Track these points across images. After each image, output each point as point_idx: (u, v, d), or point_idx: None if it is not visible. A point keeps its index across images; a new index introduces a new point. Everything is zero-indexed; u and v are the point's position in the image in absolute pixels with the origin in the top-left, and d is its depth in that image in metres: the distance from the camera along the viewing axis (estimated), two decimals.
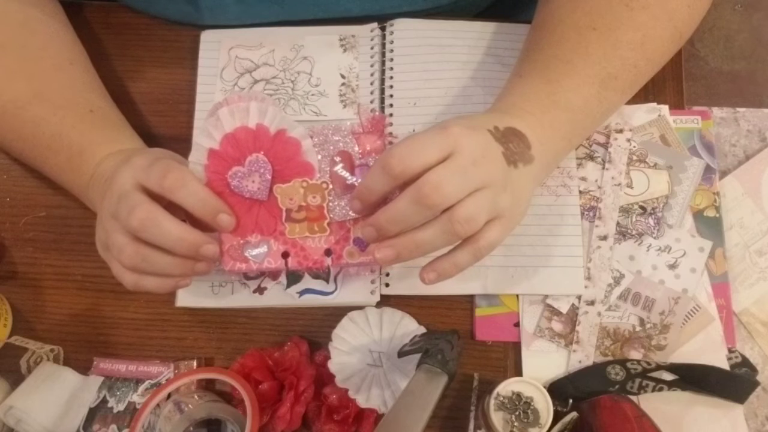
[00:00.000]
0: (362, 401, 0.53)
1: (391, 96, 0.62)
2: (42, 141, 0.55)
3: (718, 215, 0.60)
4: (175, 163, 0.48)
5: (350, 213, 0.51)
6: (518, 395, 0.51)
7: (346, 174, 0.52)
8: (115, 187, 0.48)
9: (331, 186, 0.51)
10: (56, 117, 0.55)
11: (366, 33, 0.65)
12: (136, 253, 0.47)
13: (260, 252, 0.51)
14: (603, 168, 0.61)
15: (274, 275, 0.58)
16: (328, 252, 0.52)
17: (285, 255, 0.52)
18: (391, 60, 0.64)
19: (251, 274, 0.57)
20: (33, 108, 0.55)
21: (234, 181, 0.50)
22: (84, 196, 0.56)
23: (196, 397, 0.55)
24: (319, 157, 0.52)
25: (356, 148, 0.52)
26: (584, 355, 0.56)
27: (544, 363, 0.56)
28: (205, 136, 0.50)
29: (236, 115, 0.50)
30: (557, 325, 0.57)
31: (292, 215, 0.51)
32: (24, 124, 0.56)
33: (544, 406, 0.51)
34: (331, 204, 0.51)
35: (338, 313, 0.57)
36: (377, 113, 0.60)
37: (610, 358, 0.56)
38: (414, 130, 0.61)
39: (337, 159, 0.52)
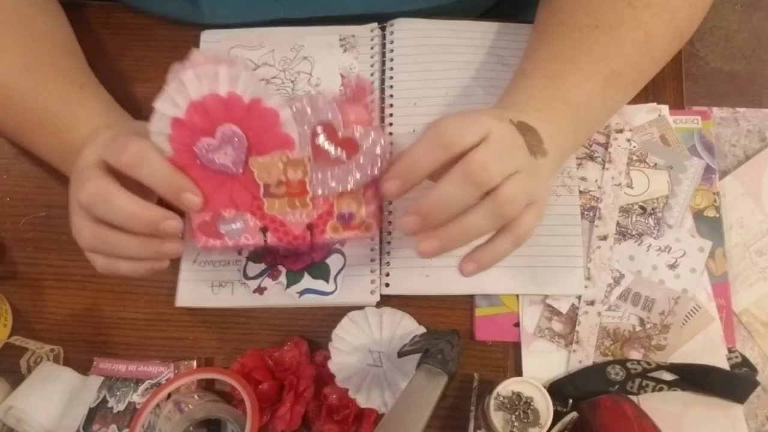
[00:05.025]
0: (362, 401, 0.53)
1: (391, 96, 0.62)
2: (30, 116, 0.54)
3: (718, 215, 0.60)
4: (137, 137, 0.44)
5: (334, 187, 0.48)
6: (518, 395, 0.51)
7: (329, 147, 0.47)
8: (78, 164, 0.46)
9: (313, 160, 0.47)
10: (46, 91, 0.54)
11: (366, 33, 0.65)
12: (93, 234, 0.45)
13: (236, 228, 0.49)
14: (603, 168, 0.61)
15: (274, 275, 0.58)
16: (310, 227, 0.50)
17: (264, 230, 0.49)
18: (391, 60, 0.64)
19: (228, 252, 0.54)
20: (23, 82, 0.54)
21: (203, 153, 0.46)
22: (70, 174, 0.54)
23: (196, 397, 0.55)
24: (299, 129, 0.47)
25: (339, 119, 0.47)
26: (584, 355, 0.56)
27: (544, 363, 0.56)
28: (168, 103, 0.45)
29: (203, 81, 0.44)
30: (557, 325, 0.57)
31: (270, 190, 0.48)
32: (13, 98, 0.55)
33: (544, 406, 0.51)
34: (313, 179, 0.48)
35: (338, 313, 0.57)
36: (360, 77, 0.56)
37: (610, 358, 0.56)
38: (414, 131, 0.61)
39: (319, 130, 0.47)
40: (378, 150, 0.47)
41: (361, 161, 0.47)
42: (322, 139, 0.47)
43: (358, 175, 0.47)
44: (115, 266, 0.47)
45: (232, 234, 0.49)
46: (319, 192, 0.48)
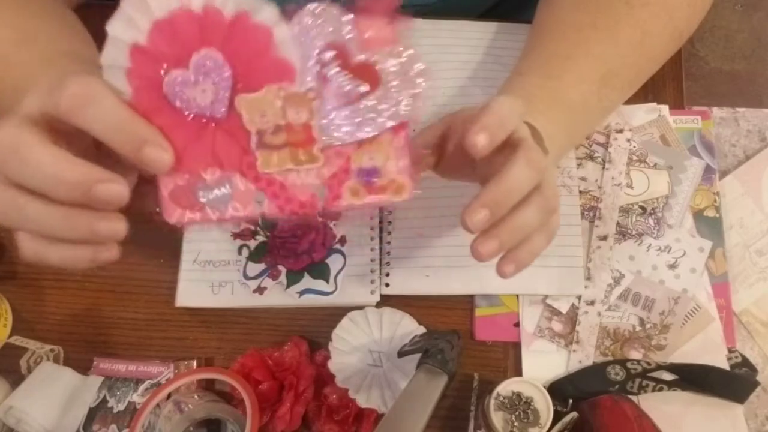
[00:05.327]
0: (362, 401, 0.53)
1: None
2: (6, 83, 0.46)
3: (718, 215, 0.60)
4: (83, 74, 0.34)
5: (351, 132, 0.36)
6: (518, 395, 0.51)
7: (343, 77, 0.36)
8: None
9: (321, 95, 0.36)
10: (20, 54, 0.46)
11: None
12: (8, 201, 0.34)
13: (221, 194, 0.37)
14: (603, 168, 0.61)
15: (274, 275, 0.58)
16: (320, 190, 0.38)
17: (259, 197, 0.38)
18: None
19: (212, 226, 0.41)
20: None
21: (173, 91, 0.35)
22: None
23: (196, 397, 0.55)
24: (301, 52, 0.35)
25: (354, 36, 0.35)
26: (584, 355, 0.56)
27: (544, 363, 0.56)
28: (124, 24, 0.34)
29: None
30: (557, 325, 0.57)
31: (265, 139, 0.36)
32: None
33: (544, 406, 0.51)
34: (323, 121, 0.36)
35: (338, 313, 0.57)
36: None
37: (610, 358, 0.56)
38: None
39: (328, 55, 0.35)
40: (412, 76, 0.36)
41: (389, 94, 0.36)
42: (333, 67, 0.36)
43: (384, 115, 0.36)
44: (43, 252, 0.36)
45: (215, 203, 0.37)
46: (331, 139, 0.37)
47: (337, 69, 0.36)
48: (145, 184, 0.37)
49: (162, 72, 0.34)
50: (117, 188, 0.33)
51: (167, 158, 0.35)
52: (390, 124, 0.36)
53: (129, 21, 0.34)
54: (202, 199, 0.37)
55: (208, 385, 0.57)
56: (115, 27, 0.34)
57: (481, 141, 0.37)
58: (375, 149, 0.37)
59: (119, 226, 0.35)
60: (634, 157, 0.61)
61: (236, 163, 0.37)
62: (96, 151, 0.37)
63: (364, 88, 0.36)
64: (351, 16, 0.35)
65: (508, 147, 0.39)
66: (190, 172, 0.36)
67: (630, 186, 0.60)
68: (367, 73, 0.36)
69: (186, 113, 0.35)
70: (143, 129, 0.34)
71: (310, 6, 0.35)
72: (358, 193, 0.38)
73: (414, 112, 0.36)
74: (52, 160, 0.32)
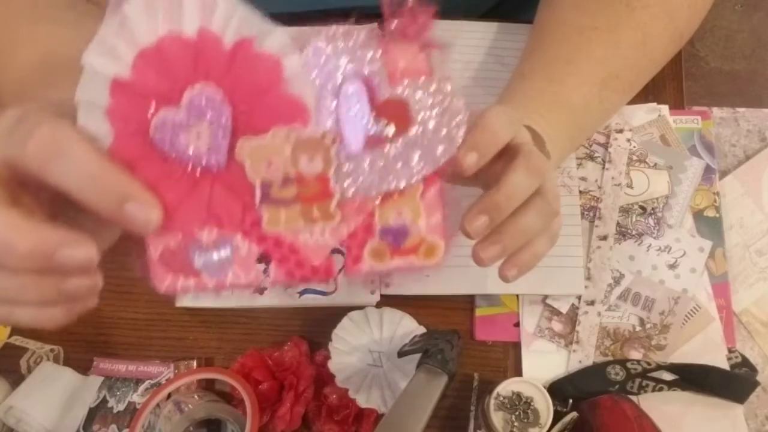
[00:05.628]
0: (362, 401, 0.53)
1: None
2: None
3: (718, 215, 0.60)
4: (51, 117, 0.28)
5: (375, 184, 0.31)
6: (518, 395, 0.51)
7: (367, 117, 0.30)
8: None
9: (339, 139, 0.30)
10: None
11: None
12: None
13: (220, 258, 0.31)
14: (603, 168, 0.61)
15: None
16: (337, 252, 0.33)
17: (264, 259, 0.32)
18: None
19: (208, 294, 0.33)
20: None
21: (162, 135, 0.29)
22: None
23: (196, 397, 0.55)
24: (316, 86, 0.30)
25: (380, 66, 0.30)
26: (584, 355, 0.56)
27: (544, 363, 0.56)
28: (103, 53, 0.28)
29: (158, 14, 0.28)
30: (557, 325, 0.57)
31: (272, 193, 0.31)
32: None
33: (544, 406, 0.51)
34: (341, 171, 0.31)
35: (338, 313, 0.57)
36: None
37: (610, 358, 0.56)
38: None
39: (350, 89, 0.30)
40: (449, 116, 0.31)
41: (423, 138, 0.31)
42: (354, 105, 0.30)
43: (416, 163, 0.31)
44: (9, 316, 0.31)
45: (213, 268, 0.31)
46: (351, 193, 0.31)
47: (360, 107, 0.30)
48: (128, 239, 0.32)
49: (149, 111, 0.29)
50: (81, 253, 0.28)
51: (154, 217, 0.29)
52: (423, 174, 0.31)
53: (109, 50, 0.28)
54: (198, 264, 0.31)
55: (208, 385, 0.57)
56: (92, 57, 0.28)
57: (468, 161, 0.34)
58: (403, 204, 0.32)
59: (93, 281, 0.31)
60: (634, 157, 0.61)
61: (237, 222, 0.31)
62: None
63: (392, 129, 0.31)
64: (377, 41, 0.30)
65: (508, 153, 0.39)
66: (183, 231, 0.31)
67: (630, 186, 0.60)
68: (396, 112, 0.31)
69: (178, 162, 0.30)
70: (124, 183, 0.29)
71: (328, 30, 0.30)
72: (383, 255, 0.32)
73: (449, 156, 0.31)
74: (1, 228, 0.27)
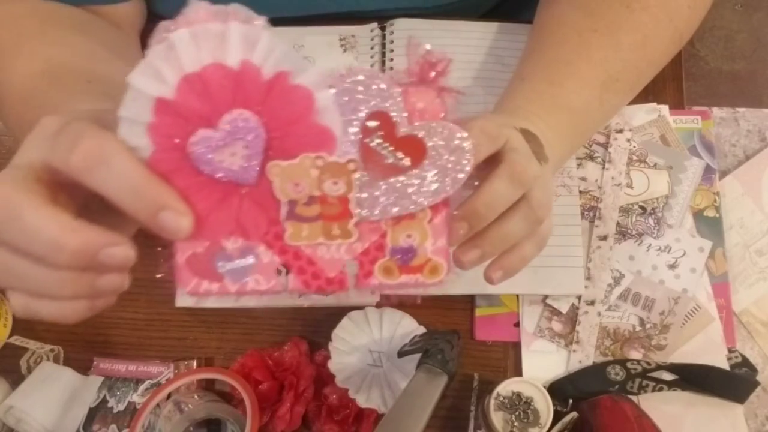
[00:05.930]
0: (362, 401, 0.53)
1: None
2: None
3: (718, 215, 0.60)
4: (95, 128, 0.30)
5: (390, 208, 0.34)
6: (518, 395, 0.51)
7: (386, 149, 0.34)
8: (10, 164, 0.32)
9: (361, 167, 0.34)
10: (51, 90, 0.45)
11: (366, 33, 0.65)
12: (1, 266, 0.31)
13: (243, 265, 0.35)
14: (603, 168, 0.61)
15: None
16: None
17: (283, 269, 0.36)
18: (391, 60, 0.64)
19: (229, 299, 0.37)
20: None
21: (199, 153, 0.32)
22: None
23: (196, 397, 0.55)
24: (343, 119, 0.33)
25: (401, 107, 0.34)
26: (584, 355, 0.56)
27: (544, 363, 0.56)
28: (149, 75, 0.31)
29: (203, 44, 0.31)
30: (557, 325, 0.57)
31: (297, 210, 0.34)
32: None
33: (544, 406, 0.51)
34: (360, 195, 0.34)
35: (338, 313, 0.57)
36: (431, 49, 0.36)
37: (610, 358, 0.56)
38: None
39: (372, 124, 0.34)
40: (458, 155, 0.34)
41: (432, 172, 0.35)
42: (376, 138, 0.34)
43: (427, 192, 0.35)
44: (34, 308, 0.32)
45: (236, 274, 0.35)
46: (369, 214, 0.35)
47: (381, 140, 0.34)
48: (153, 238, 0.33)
49: (189, 130, 0.32)
50: (123, 252, 0.31)
51: (186, 224, 0.32)
52: (432, 201, 0.35)
53: (155, 72, 0.31)
54: (221, 270, 0.34)
55: (208, 385, 0.57)
56: (138, 79, 0.31)
57: (459, 234, 0.38)
58: (413, 227, 0.36)
59: (124, 280, 0.33)
60: (634, 157, 0.61)
61: (262, 233, 0.34)
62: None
63: (408, 162, 0.34)
64: (399, 86, 0.34)
65: (494, 159, 0.39)
66: (210, 239, 0.34)
67: (630, 186, 0.60)
68: (412, 147, 0.34)
69: (211, 177, 0.33)
70: (161, 192, 0.31)
71: (358, 73, 0.33)
72: (392, 272, 0.36)
73: (457, 187, 0.35)
74: (52, 226, 0.29)
